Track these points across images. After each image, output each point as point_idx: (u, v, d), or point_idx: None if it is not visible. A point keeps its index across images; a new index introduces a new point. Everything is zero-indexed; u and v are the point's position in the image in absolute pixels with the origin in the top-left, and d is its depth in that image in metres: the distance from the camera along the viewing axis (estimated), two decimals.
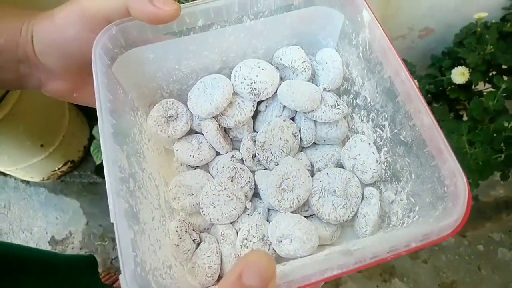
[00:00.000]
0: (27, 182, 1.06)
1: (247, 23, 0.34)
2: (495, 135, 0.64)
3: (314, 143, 0.39)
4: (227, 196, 0.33)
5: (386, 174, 0.34)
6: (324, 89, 0.37)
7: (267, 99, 0.38)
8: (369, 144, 0.34)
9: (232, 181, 0.35)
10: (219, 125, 0.37)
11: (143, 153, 0.33)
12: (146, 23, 0.29)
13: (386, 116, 0.32)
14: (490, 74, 0.73)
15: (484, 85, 0.74)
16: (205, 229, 0.36)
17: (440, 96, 0.79)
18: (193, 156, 0.36)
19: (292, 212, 0.33)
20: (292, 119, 0.39)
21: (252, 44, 0.37)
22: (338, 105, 0.36)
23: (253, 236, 0.32)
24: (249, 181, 0.36)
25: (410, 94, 0.28)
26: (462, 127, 0.66)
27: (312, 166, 0.38)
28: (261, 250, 0.31)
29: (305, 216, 0.35)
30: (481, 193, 1.08)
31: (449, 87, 0.75)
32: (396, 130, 0.31)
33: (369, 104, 0.34)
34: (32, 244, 1.02)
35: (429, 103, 0.78)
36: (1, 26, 0.30)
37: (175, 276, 0.30)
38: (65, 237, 1.02)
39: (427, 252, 1.01)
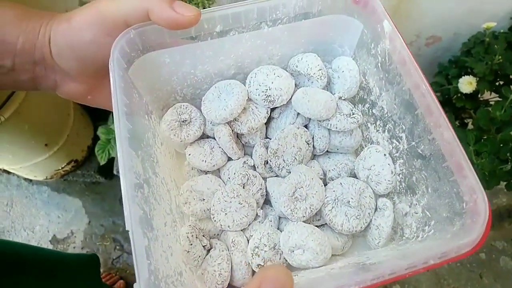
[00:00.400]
0: (30, 180, 1.06)
1: (265, 30, 0.34)
2: (501, 145, 0.64)
3: (327, 151, 0.39)
4: (239, 203, 0.33)
5: (400, 186, 0.34)
6: (340, 98, 0.37)
7: (281, 106, 0.37)
8: (385, 155, 0.34)
9: (243, 187, 0.35)
10: (232, 130, 0.36)
11: (156, 157, 0.33)
12: (165, 28, 0.29)
13: (404, 128, 0.32)
14: (497, 83, 0.74)
15: (490, 94, 0.74)
16: (215, 235, 0.36)
17: (446, 104, 0.79)
18: (205, 161, 0.36)
19: (304, 221, 0.33)
20: (306, 126, 0.38)
21: (268, 50, 0.36)
22: (353, 114, 0.36)
23: (264, 245, 0.32)
24: (261, 188, 0.35)
25: (431, 107, 0.27)
26: (469, 137, 0.65)
27: (325, 174, 0.38)
28: (280, 265, 0.30)
29: (316, 226, 0.35)
30: None
31: (455, 96, 0.75)
32: (413, 143, 0.31)
33: (386, 115, 0.34)
34: (33, 243, 1.02)
35: None
36: (19, 27, 0.30)
37: (185, 283, 0.30)
38: (67, 236, 1.02)
39: None
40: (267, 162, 0.37)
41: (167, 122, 0.36)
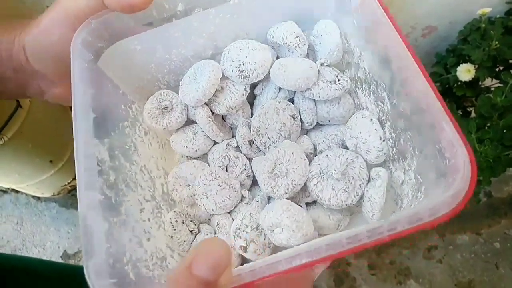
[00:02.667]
0: (38, 198, 1.08)
1: (231, 3, 0.32)
2: (504, 131, 0.62)
3: (319, 124, 0.36)
4: (219, 185, 0.32)
5: (392, 152, 0.30)
6: (322, 64, 0.34)
7: (262, 81, 0.36)
8: (371, 120, 0.31)
9: (226, 169, 0.34)
10: (213, 112, 0.35)
11: (135, 146, 0.33)
12: (122, 13, 0.29)
13: (384, 86, 0.28)
14: (497, 69, 0.71)
15: (492, 80, 0.71)
16: (206, 220, 0.35)
17: (447, 93, 0.77)
18: (186, 146, 0.35)
19: (289, 198, 0.31)
20: (292, 100, 0.36)
21: (242, 25, 0.35)
22: (338, 81, 0.33)
23: (246, 225, 0.30)
24: (245, 169, 0.34)
25: (404, 59, 0.24)
26: (470, 125, 0.63)
27: (315, 149, 0.35)
28: (216, 237, 0.29)
29: (306, 203, 0.33)
30: (494, 189, 1.00)
31: (455, 85, 0.73)
32: (394, 101, 0.27)
33: (369, 76, 0.31)
34: None
35: None
36: None
37: (170, 267, 0.30)
38: (78, 251, 1.03)
39: (442, 251, 0.95)
40: (253, 142, 0.35)
41: (147, 110, 0.36)
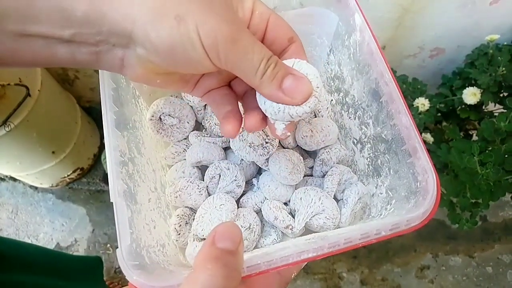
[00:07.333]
0: (35, 188, 1.06)
1: None
2: (506, 156, 0.64)
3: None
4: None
5: (368, 169, 0.36)
6: None
7: None
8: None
9: (219, 179, 0.37)
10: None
11: (142, 139, 0.35)
12: None
13: (371, 114, 0.34)
14: (501, 95, 0.75)
15: (495, 105, 0.76)
16: None
17: (450, 115, 0.80)
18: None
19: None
20: None
21: None
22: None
23: (241, 226, 0.34)
24: (235, 180, 0.36)
25: (393, 95, 0.30)
26: (473, 147, 0.65)
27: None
28: (228, 221, 0.32)
29: None
30: (489, 213, 1.04)
31: (460, 107, 0.76)
32: (378, 128, 0.33)
33: (357, 103, 0.36)
34: None
35: (439, 122, 0.80)
36: None
37: (168, 254, 0.33)
38: (70, 244, 1.02)
39: (434, 272, 0.99)
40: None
41: (151, 113, 0.38)
